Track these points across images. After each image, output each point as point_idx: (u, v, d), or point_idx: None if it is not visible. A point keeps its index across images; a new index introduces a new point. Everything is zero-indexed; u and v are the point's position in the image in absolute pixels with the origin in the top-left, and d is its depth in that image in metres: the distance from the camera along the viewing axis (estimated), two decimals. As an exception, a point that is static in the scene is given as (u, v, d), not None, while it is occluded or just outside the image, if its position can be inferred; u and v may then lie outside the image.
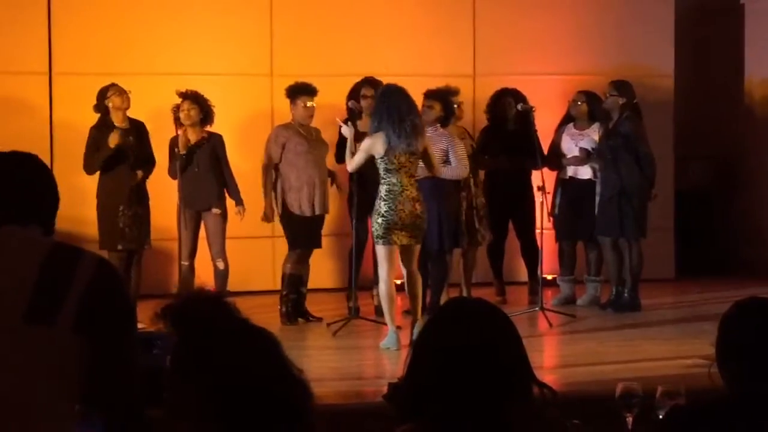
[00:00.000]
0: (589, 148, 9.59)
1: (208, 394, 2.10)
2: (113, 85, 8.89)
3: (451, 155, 8.79)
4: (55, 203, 2.76)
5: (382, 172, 7.91)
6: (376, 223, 7.92)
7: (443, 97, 9.00)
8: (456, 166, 8.80)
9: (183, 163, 8.79)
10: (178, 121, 8.84)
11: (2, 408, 2.52)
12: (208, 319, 2.17)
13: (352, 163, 8.16)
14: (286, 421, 2.12)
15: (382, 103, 7.91)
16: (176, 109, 8.85)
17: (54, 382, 2.54)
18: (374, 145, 7.87)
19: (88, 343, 2.52)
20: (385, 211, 7.87)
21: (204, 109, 8.91)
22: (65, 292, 2.52)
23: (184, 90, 8.92)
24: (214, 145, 8.94)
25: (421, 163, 8.10)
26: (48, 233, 2.68)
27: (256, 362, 2.15)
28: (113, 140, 8.65)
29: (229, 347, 2.14)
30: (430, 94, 8.92)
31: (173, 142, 8.90)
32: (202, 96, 8.93)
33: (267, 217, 9.09)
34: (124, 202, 8.77)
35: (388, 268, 7.92)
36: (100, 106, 8.87)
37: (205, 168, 8.88)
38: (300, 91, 9.03)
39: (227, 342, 2.15)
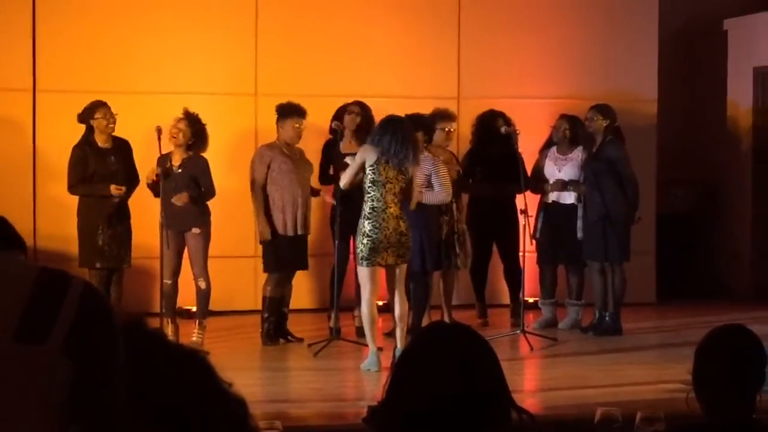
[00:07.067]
0: (567, 179, 9.62)
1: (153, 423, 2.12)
2: (103, 105, 8.81)
3: (434, 179, 8.78)
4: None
5: (367, 184, 7.89)
6: (361, 244, 7.89)
7: (424, 124, 8.97)
8: (439, 191, 8.79)
9: (157, 187, 8.73)
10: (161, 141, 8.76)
11: None
12: (139, 349, 2.21)
13: (345, 178, 8.10)
14: None
15: (387, 124, 7.95)
16: (160, 129, 8.74)
17: (41, 403, 2.55)
18: (366, 152, 7.86)
19: (74, 365, 2.54)
20: (370, 230, 7.84)
21: (195, 135, 8.83)
22: (56, 313, 2.55)
23: (188, 111, 8.84)
24: (194, 167, 8.84)
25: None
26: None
27: (196, 386, 2.18)
28: (115, 191, 8.69)
29: (167, 375, 2.17)
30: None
31: (160, 162, 8.82)
32: (201, 122, 8.85)
33: (263, 236, 9.02)
34: (104, 221, 8.74)
35: (370, 289, 7.90)
36: (85, 120, 8.82)
37: (182, 190, 8.79)
38: (291, 112, 8.99)
39: (164, 371, 2.18)
